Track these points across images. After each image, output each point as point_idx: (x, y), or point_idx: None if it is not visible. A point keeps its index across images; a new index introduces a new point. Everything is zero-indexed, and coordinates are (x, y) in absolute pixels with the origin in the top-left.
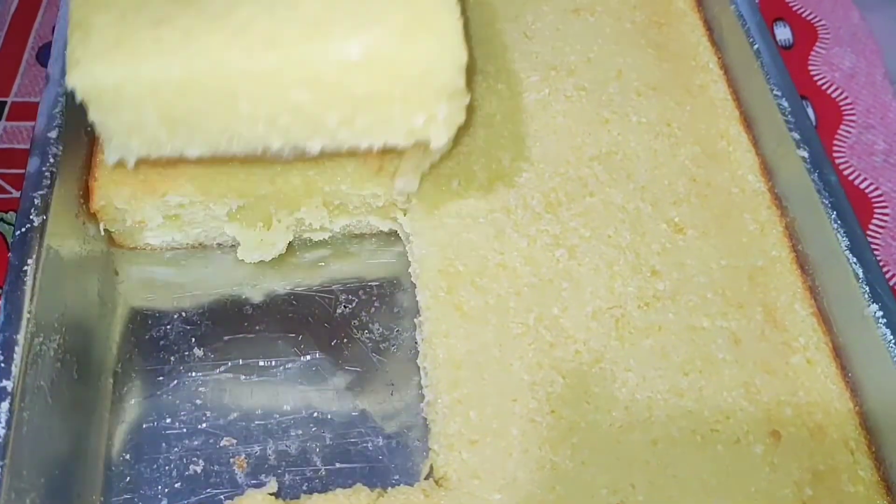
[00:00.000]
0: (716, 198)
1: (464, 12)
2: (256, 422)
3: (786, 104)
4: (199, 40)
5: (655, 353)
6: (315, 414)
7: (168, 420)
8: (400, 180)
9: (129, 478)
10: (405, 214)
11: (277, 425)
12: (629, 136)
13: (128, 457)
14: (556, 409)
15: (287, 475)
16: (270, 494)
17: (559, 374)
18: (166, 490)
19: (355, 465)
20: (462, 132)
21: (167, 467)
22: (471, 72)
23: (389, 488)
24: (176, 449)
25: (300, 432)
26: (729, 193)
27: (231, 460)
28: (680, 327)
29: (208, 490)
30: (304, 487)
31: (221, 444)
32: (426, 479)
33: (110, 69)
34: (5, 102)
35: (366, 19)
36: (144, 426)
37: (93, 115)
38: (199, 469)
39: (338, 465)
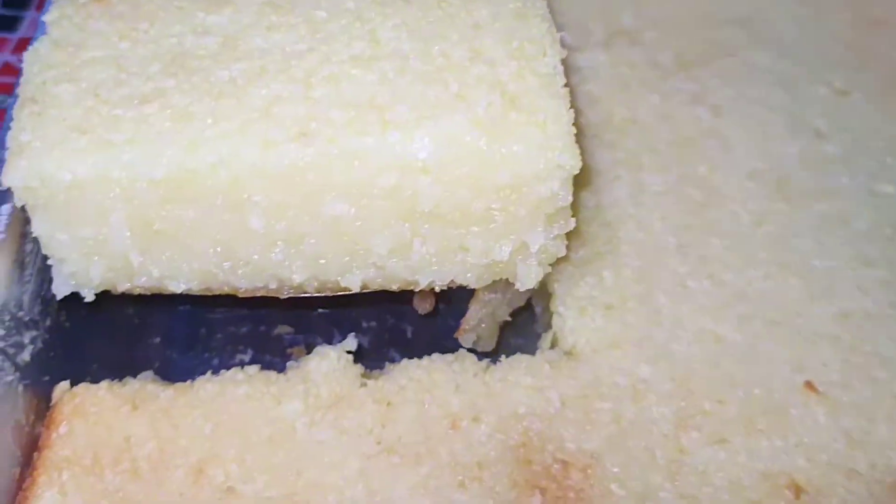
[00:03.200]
0: (879, 63)
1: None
2: (319, 309)
3: None
4: (199, 125)
5: (833, 220)
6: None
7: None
8: (468, 335)
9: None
10: None
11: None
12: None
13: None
14: (715, 274)
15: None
16: (348, 352)
17: (714, 235)
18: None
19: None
20: None
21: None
22: (581, 182)
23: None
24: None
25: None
26: (892, 60)
27: (287, 351)
28: (860, 192)
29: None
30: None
31: (275, 333)
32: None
33: (69, 161)
34: None
35: (439, 104)
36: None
37: (37, 228)
38: (246, 359)
39: None
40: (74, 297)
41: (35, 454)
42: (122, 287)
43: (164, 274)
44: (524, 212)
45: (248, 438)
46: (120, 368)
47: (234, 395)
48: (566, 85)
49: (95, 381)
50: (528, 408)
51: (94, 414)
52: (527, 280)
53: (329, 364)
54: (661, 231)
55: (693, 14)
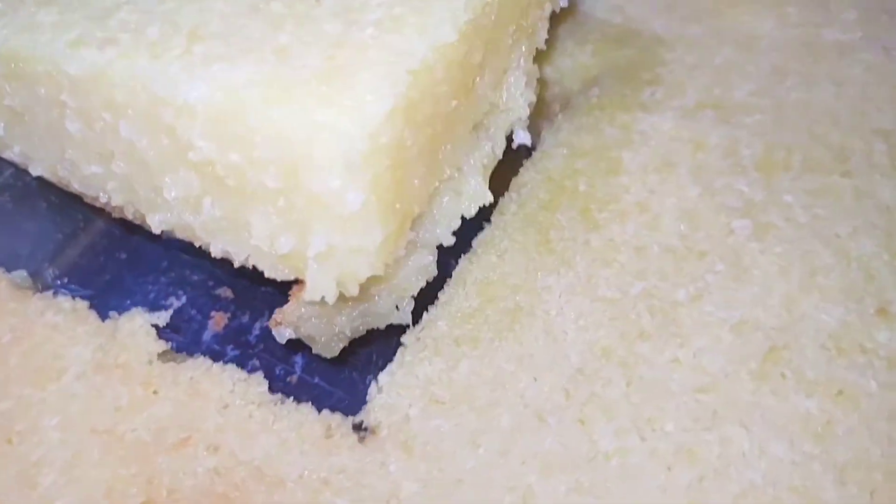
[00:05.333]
0: None
1: None
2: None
3: None
4: (57, 15)
5: None
6: None
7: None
8: (280, 329)
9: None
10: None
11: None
12: None
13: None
14: None
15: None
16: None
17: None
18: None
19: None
20: None
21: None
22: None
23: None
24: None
25: None
26: None
27: (211, 313)
28: None
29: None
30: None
31: (215, 293)
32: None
33: None
34: None
35: (254, 48)
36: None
37: None
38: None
39: None
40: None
41: None
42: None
43: (23, 153)
44: (303, 203)
45: (24, 363)
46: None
47: (47, 319)
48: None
49: None
50: (261, 463)
51: None
52: (314, 290)
53: (134, 329)
54: (570, 345)
55: (827, 106)
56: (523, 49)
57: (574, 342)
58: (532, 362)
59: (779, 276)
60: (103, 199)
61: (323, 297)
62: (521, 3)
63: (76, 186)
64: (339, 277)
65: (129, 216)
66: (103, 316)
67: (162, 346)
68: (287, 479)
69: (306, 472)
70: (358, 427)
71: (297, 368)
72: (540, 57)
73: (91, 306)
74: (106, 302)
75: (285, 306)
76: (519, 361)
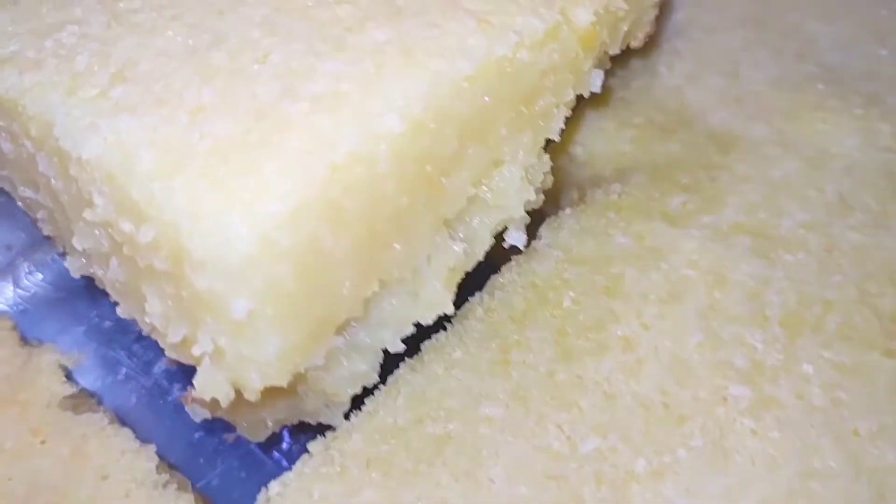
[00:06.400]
0: None
1: None
2: None
3: None
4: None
5: None
6: None
7: None
8: (194, 408)
9: None
10: None
11: None
12: None
13: None
14: None
15: None
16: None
17: None
18: None
19: None
20: None
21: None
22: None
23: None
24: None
25: None
26: None
27: None
28: None
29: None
30: None
31: None
32: None
33: None
34: None
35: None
36: None
37: None
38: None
39: None
40: None
41: None
42: None
43: None
44: (188, 295)
45: None
46: None
47: None
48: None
49: None
50: None
51: None
52: (203, 388)
53: (40, 364)
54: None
55: None
56: (525, 140)
57: (498, 495)
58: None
59: (765, 471)
60: (38, 222)
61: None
62: (521, 89)
63: (20, 204)
64: (233, 380)
65: (60, 248)
66: (31, 335)
67: (69, 389)
68: None
69: None
70: None
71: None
72: (568, 132)
73: (16, 326)
74: (67, 308)
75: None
76: None
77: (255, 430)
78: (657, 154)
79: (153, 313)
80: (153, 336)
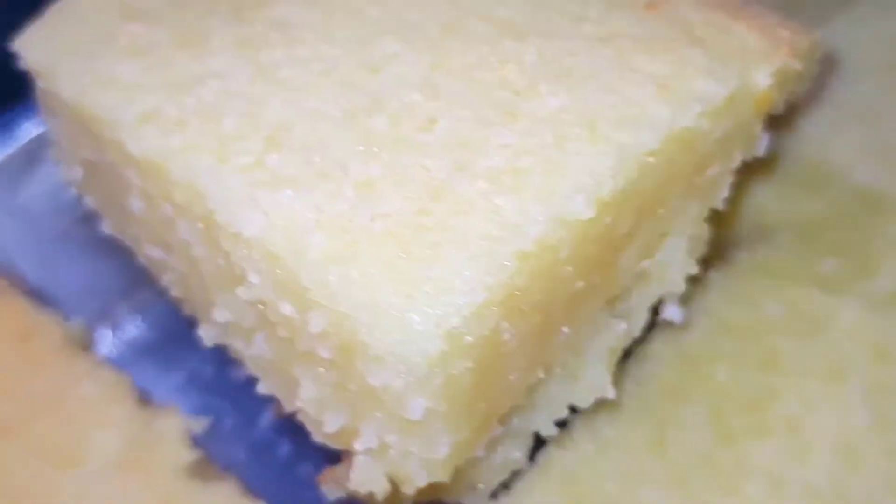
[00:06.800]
0: None
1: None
2: None
3: None
4: (142, 74)
5: None
6: None
7: None
8: (330, 487)
9: None
10: None
11: None
12: None
13: None
14: None
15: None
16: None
17: None
18: None
19: None
20: None
21: None
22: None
23: None
24: None
25: None
26: None
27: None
28: None
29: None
30: None
31: None
32: None
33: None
34: None
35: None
36: None
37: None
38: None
39: None
40: None
41: None
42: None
43: (97, 205)
44: (355, 388)
45: (50, 434)
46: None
47: (83, 390)
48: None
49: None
50: None
51: None
52: (358, 481)
53: (170, 428)
54: None
55: None
56: (691, 211)
57: None
58: None
59: None
60: (164, 283)
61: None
62: (695, 159)
63: (141, 260)
64: (391, 475)
65: (187, 311)
66: (147, 392)
67: (194, 454)
68: None
69: None
70: None
71: None
72: None
73: (134, 383)
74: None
75: (337, 466)
76: None
77: None
78: (802, 213)
79: (306, 398)
80: (301, 419)
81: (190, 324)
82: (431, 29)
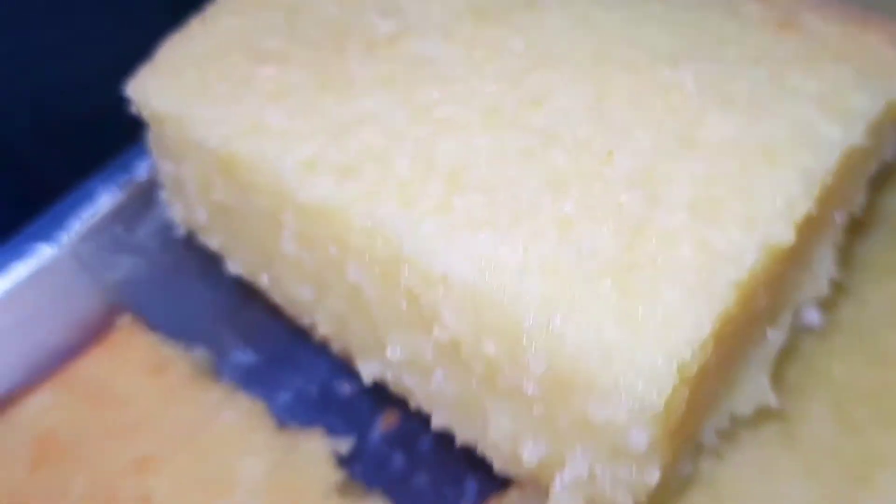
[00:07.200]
0: None
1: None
2: None
3: None
4: (287, 119)
5: None
6: None
7: None
8: None
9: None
10: None
11: None
12: None
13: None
14: None
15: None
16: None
17: None
18: None
19: None
20: None
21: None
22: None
23: None
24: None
25: None
26: None
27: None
28: None
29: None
30: None
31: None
32: None
33: (169, 93)
34: None
35: (544, 228)
36: None
37: (149, 142)
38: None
39: None
40: None
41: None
42: (200, 237)
43: (224, 246)
44: (566, 422)
45: (197, 465)
46: (199, 333)
47: (223, 418)
48: (744, 288)
49: (165, 330)
50: None
51: (126, 357)
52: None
53: (314, 451)
54: None
55: None
56: (838, 220)
57: None
58: None
59: None
60: (306, 321)
61: None
62: (854, 167)
63: (277, 300)
64: (589, 500)
65: (334, 349)
66: (280, 419)
67: (341, 475)
68: None
69: None
70: None
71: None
72: None
73: (268, 409)
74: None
75: (506, 495)
76: None
77: None
78: None
79: (499, 431)
80: (480, 450)
81: (292, 346)
82: (583, 59)
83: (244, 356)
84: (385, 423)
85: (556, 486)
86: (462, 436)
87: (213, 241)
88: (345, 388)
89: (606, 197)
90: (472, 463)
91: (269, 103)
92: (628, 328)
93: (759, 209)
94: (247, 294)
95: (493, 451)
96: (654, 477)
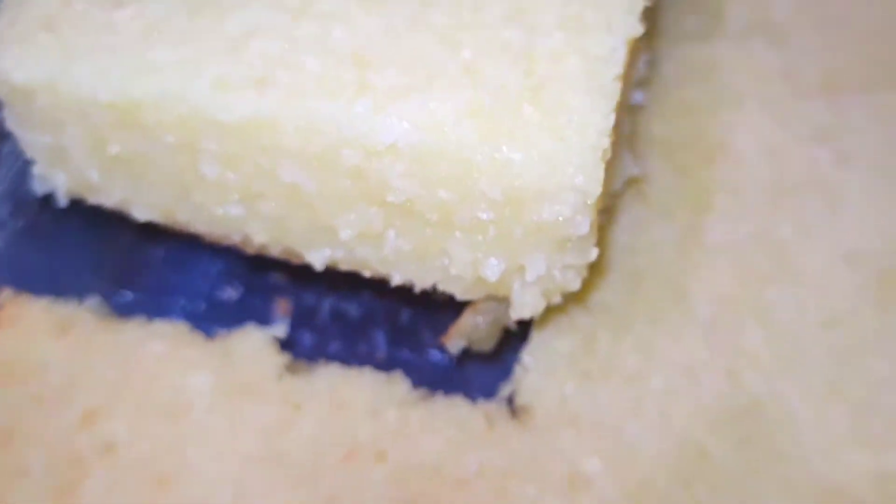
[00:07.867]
0: None
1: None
2: None
3: None
4: (160, 47)
5: None
6: None
7: None
8: (454, 342)
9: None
10: None
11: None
12: None
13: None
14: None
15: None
16: (277, 338)
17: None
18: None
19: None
20: None
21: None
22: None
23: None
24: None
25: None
26: None
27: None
28: None
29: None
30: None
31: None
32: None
33: (25, 61)
34: None
35: (437, 73)
36: None
37: (9, 122)
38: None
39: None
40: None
41: None
42: (90, 200)
43: (125, 198)
44: (521, 232)
45: (146, 400)
46: (81, 284)
47: (151, 349)
48: (621, 79)
49: (48, 292)
50: (437, 464)
51: (24, 328)
52: (522, 309)
53: (252, 346)
54: (697, 299)
55: (874, 21)
56: None
57: (699, 294)
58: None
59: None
60: (235, 238)
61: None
62: None
63: (199, 227)
64: (546, 294)
65: (274, 253)
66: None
67: (286, 358)
68: (469, 476)
69: (485, 466)
70: (514, 411)
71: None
72: None
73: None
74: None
75: (459, 320)
76: (653, 324)
77: (489, 340)
78: None
79: (460, 263)
80: (440, 289)
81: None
82: None
83: (135, 293)
84: (281, 310)
85: (516, 291)
86: (421, 283)
87: (109, 199)
88: (229, 293)
89: (493, 37)
90: (374, 319)
91: (147, 42)
92: (557, 137)
93: (612, 13)
94: (110, 237)
95: (456, 284)
96: (594, 253)
